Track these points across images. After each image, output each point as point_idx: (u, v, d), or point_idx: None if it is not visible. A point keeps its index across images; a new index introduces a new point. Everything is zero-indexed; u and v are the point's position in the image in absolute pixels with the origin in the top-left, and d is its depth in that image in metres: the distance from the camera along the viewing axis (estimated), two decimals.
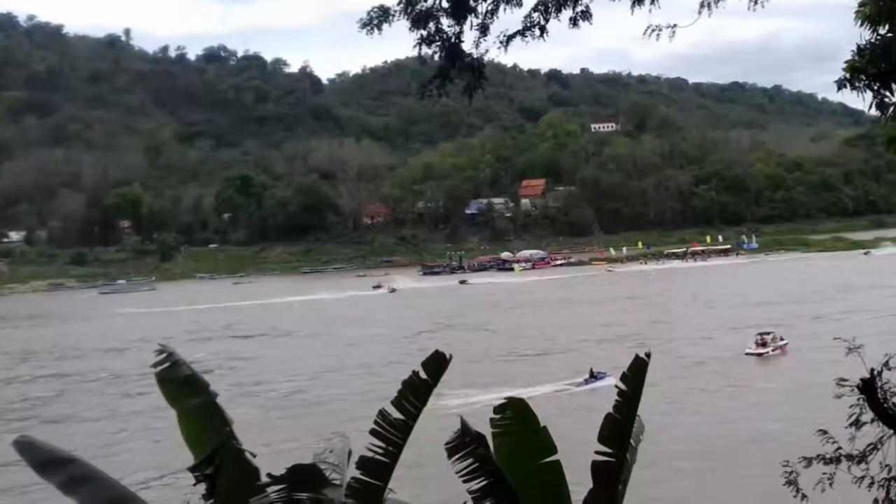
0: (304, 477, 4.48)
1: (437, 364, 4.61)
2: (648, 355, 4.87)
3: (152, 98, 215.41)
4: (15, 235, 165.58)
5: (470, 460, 4.56)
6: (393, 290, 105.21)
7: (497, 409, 4.65)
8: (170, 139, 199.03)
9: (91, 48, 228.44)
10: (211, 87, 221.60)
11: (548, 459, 4.65)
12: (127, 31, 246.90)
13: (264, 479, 4.58)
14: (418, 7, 7.69)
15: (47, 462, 4.69)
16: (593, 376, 38.42)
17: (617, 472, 4.83)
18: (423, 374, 4.59)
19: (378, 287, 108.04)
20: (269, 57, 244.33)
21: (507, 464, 4.63)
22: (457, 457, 4.58)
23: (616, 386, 4.93)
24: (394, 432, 4.53)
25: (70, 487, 4.60)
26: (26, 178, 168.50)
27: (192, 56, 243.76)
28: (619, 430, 4.83)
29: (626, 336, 52.31)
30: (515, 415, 4.62)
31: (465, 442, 4.58)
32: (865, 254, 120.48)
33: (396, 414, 4.54)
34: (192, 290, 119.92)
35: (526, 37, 7.93)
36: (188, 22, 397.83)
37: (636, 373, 4.87)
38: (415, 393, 4.58)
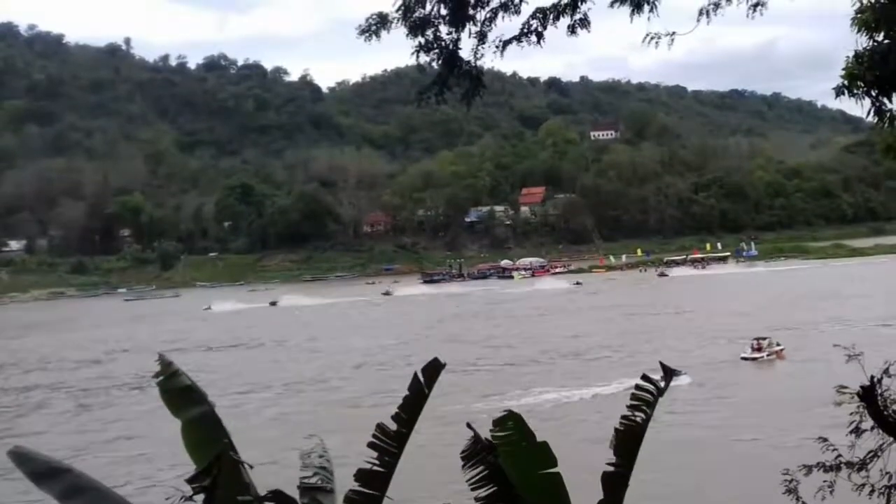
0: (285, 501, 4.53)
1: (432, 372, 4.64)
2: (673, 371, 4.91)
3: (153, 107, 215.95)
4: (15, 244, 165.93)
5: (480, 468, 4.57)
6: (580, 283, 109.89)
7: (496, 423, 4.65)
8: (170, 147, 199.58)
9: (91, 57, 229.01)
10: (211, 95, 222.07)
11: (549, 471, 4.65)
12: (127, 40, 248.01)
13: (252, 494, 4.60)
14: (416, 14, 7.70)
15: (43, 473, 4.67)
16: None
17: (626, 482, 4.83)
18: (419, 383, 4.61)
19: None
20: (268, 66, 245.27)
21: (510, 474, 4.64)
22: (468, 465, 4.60)
23: (631, 396, 4.92)
24: (390, 443, 4.56)
25: (67, 498, 4.58)
26: (27, 187, 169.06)
27: (192, 65, 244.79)
28: (631, 440, 4.82)
29: (628, 343, 52.94)
30: (515, 428, 4.63)
31: (476, 450, 4.60)
32: (660, 276, 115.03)
33: (393, 425, 4.56)
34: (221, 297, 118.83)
35: (522, 42, 7.94)
36: (185, 31, 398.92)
37: (652, 383, 4.87)
38: (411, 403, 4.59)
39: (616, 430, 4.85)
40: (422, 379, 4.65)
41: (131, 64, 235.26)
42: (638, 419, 4.80)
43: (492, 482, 4.59)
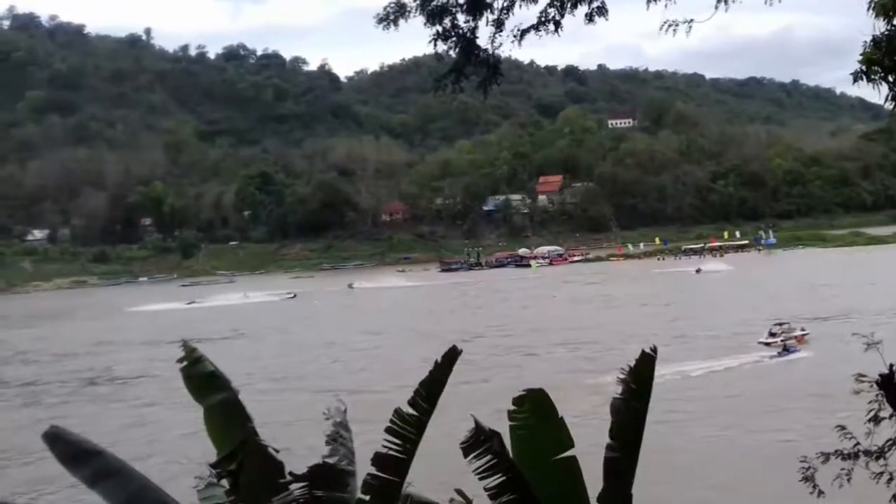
0: (325, 476, 4.55)
1: (450, 358, 4.66)
2: (655, 350, 4.86)
3: (173, 97, 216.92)
4: (38, 234, 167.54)
5: (486, 458, 4.56)
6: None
7: (516, 401, 4.63)
8: (191, 137, 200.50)
9: (112, 48, 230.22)
10: (231, 85, 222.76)
11: (564, 455, 4.64)
12: (147, 31, 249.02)
13: (288, 476, 4.65)
14: (434, 2, 7.72)
15: (75, 454, 4.77)
16: (786, 349, 43.38)
17: (630, 470, 4.81)
18: (438, 370, 4.63)
19: None
20: (286, 55, 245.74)
21: (523, 458, 4.63)
22: (472, 455, 4.61)
23: (625, 381, 4.90)
24: (408, 429, 4.55)
25: (96, 480, 4.67)
26: (49, 177, 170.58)
27: (211, 55, 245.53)
28: (631, 426, 4.81)
29: (666, 330, 53.02)
30: (534, 407, 4.62)
31: (479, 440, 4.61)
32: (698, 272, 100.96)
33: (411, 411, 4.58)
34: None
35: (540, 31, 7.95)
36: (202, 21, 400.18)
37: (645, 368, 4.84)
38: (429, 389, 4.64)
39: (614, 416, 4.82)
40: (440, 365, 4.62)
41: (152, 54, 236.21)
42: (636, 402, 4.76)
43: (500, 471, 4.59)
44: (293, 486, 4.47)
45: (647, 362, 4.80)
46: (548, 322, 61.82)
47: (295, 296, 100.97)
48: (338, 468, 4.73)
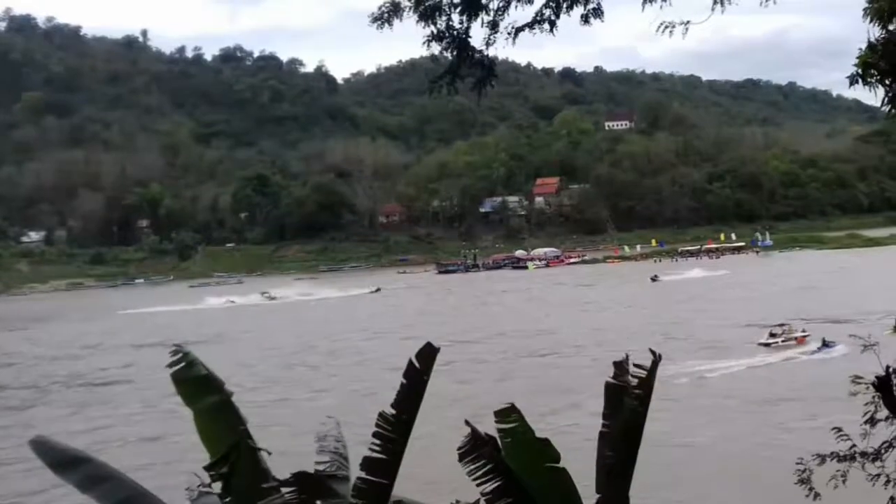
0: (308, 485, 4.55)
1: (428, 356, 4.65)
2: (659, 356, 4.82)
3: (170, 98, 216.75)
4: (35, 235, 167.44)
5: (482, 462, 4.56)
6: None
7: (498, 414, 4.60)
8: (187, 139, 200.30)
9: (109, 49, 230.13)
10: (227, 87, 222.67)
11: (554, 465, 4.59)
12: (144, 32, 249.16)
13: (273, 481, 4.64)
14: (428, 2, 7.68)
15: (64, 461, 4.75)
16: (825, 345, 43.19)
17: (629, 474, 4.77)
18: (416, 369, 4.61)
19: None
20: (283, 57, 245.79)
21: (515, 466, 4.61)
22: (468, 460, 4.59)
23: (621, 367, 4.86)
24: (394, 431, 4.55)
25: (87, 486, 4.65)
26: (46, 178, 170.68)
27: (208, 56, 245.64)
28: (631, 430, 4.78)
29: (664, 330, 53.86)
30: (518, 419, 4.59)
31: (475, 445, 4.59)
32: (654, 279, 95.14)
33: (395, 413, 4.57)
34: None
35: (534, 30, 7.92)
36: (198, 23, 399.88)
37: (648, 371, 4.80)
38: (409, 390, 4.62)
39: (609, 420, 4.76)
40: (417, 365, 4.61)
41: (148, 56, 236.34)
42: (637, 405, 4.70)
43: (496, 475, 4.56)
44: (284, 490, 4.46)
45: (650, 366, 4.78)
46: (551, 325, 62.13)
47: (379, 290, 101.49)
48: (321, 475, 4.71)
